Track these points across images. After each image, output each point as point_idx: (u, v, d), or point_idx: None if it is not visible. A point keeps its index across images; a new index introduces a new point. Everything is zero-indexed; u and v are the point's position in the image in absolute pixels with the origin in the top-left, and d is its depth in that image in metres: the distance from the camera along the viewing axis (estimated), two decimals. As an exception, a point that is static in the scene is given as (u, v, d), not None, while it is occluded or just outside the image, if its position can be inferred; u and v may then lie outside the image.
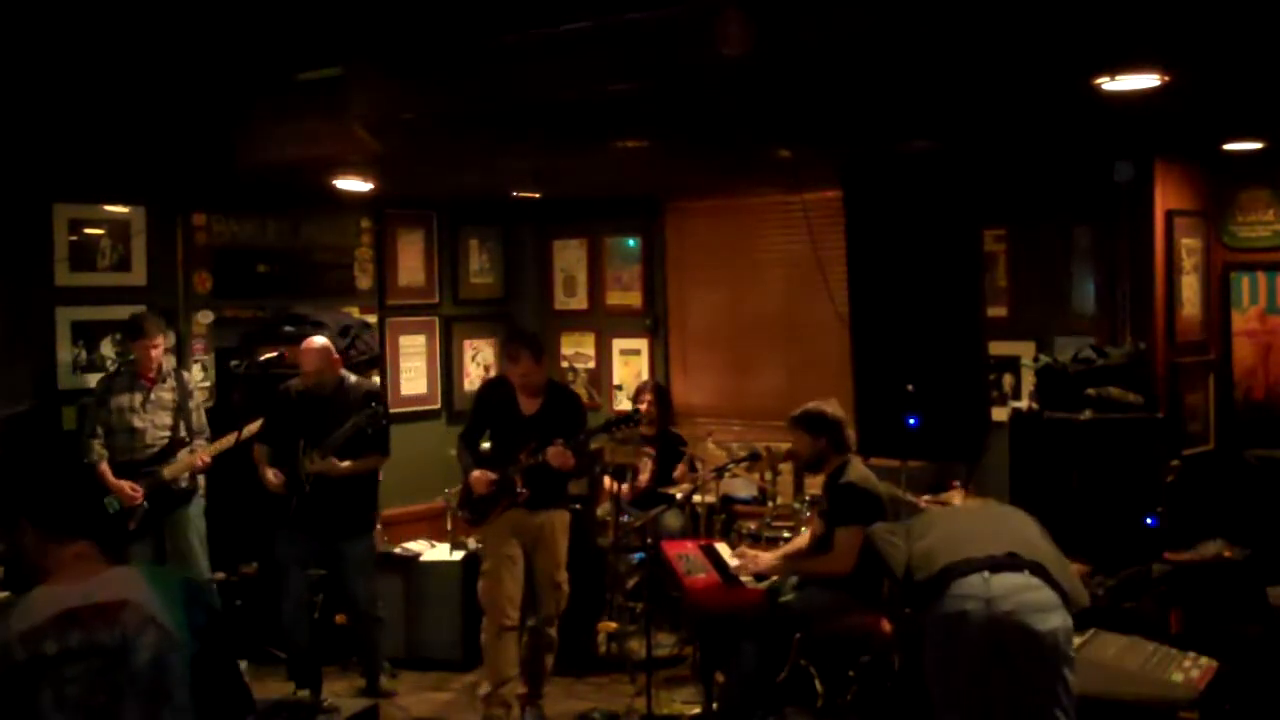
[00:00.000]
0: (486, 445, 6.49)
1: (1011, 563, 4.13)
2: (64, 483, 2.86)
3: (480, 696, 6.27)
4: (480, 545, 7.01)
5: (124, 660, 2.60)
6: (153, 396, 6.77)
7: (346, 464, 6.40)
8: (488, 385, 6.79)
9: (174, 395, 6.84)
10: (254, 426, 6.62)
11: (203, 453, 6.72)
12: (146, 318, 6.85)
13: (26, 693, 2.60)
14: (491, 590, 6.20)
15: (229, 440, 6.68)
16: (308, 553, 6.49)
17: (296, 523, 6.42)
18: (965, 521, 4.51)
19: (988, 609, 4.06)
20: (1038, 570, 4.13)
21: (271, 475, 6.45)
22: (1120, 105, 5.01)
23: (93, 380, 7.10)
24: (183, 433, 6.83)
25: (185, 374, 7.05)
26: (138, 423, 6.72)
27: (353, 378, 6.70)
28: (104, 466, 6.62)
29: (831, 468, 5.83)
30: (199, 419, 6.91)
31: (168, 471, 6.68)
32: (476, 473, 6.27)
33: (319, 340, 6.64)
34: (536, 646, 6.30)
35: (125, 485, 6.59)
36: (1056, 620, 4.08)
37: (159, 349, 6.77)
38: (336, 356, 6.66)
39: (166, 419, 6.80)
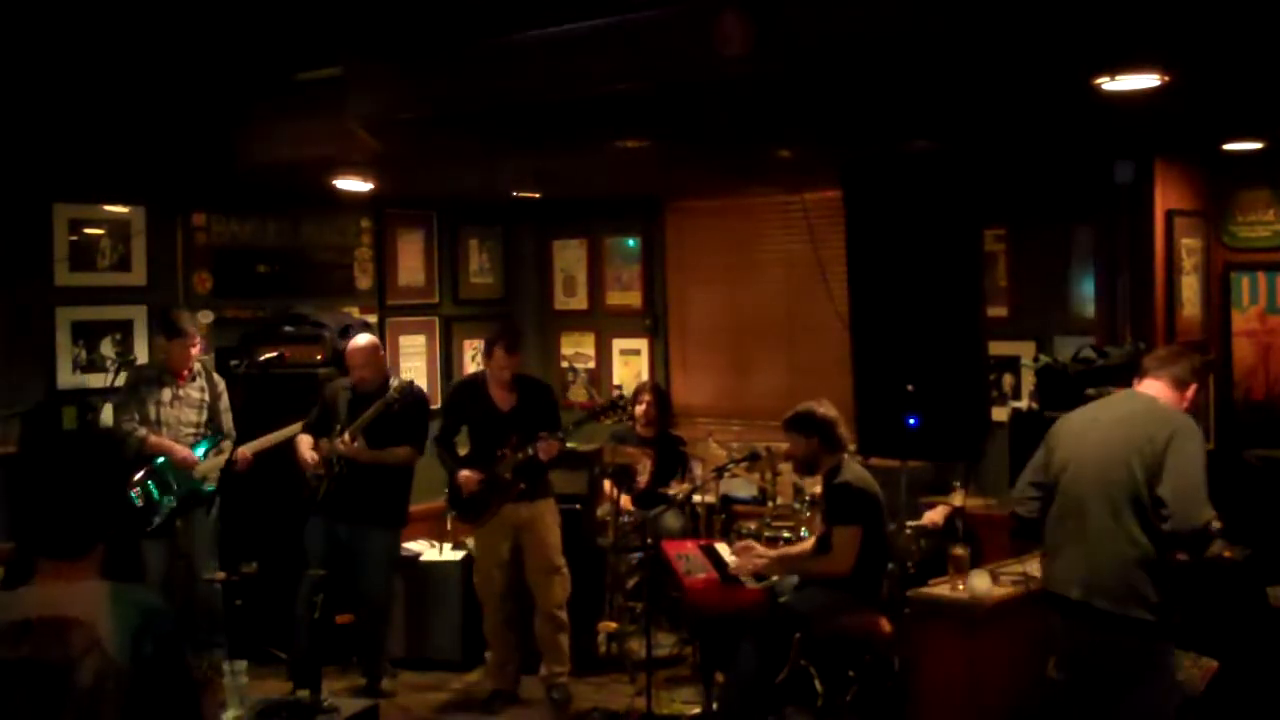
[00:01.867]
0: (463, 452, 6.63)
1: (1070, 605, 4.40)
2: (68, 503, 2.73)
3: (487, 675, 6.65)
4: (476, 547, 7.05)
5: (66, 681, 2.56)
6: (181, 393, 6.77)
7: (382, 451, 6.47)
8: (460, 386, 6.96)
9: (202, 395, 6.84)
10: (246, 453, 6.64)
11: (226, 456, 6.72)
12: (182, 317, 6.84)
13: None
14: (485, 590, 6.53)
15: (219, 461, 6.68)
16: (332, 543, 6.49)
17: (325, 508, 6.45)
18: (1076, 504, 4.48)
19: (1066, 617, 4.45)
20: (1090, 614, 4.34)
21: (310, 456, 6.49)
22: (1120, 105, 5.01)
23: (92, 380, 7.11)
24: (208, 433, 6.84)
25: (215, 375, 7.05)
26: (166, 417, 6.72)
27: (396, 378, 6.78)
28: (154, 438, 6.61)
29: (826, 468, 5.86)
30: (227, 422, 6.91)
31: (200, 469, 6.68)
32: (465, 473, 6.40)
33: (365, 339, 6.73)
34: (549, 631, 6.48)
35: (182, 449, 6.61)
36: (1112, 638, 4.30)
37: (197, 347, 6.80)
38: (382, 354, 6.76)
39: (193, 416, 6.80)
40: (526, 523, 6.42)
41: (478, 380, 6.60)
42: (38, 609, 2.62)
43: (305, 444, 6.59)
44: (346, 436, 6.43)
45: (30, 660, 2.58)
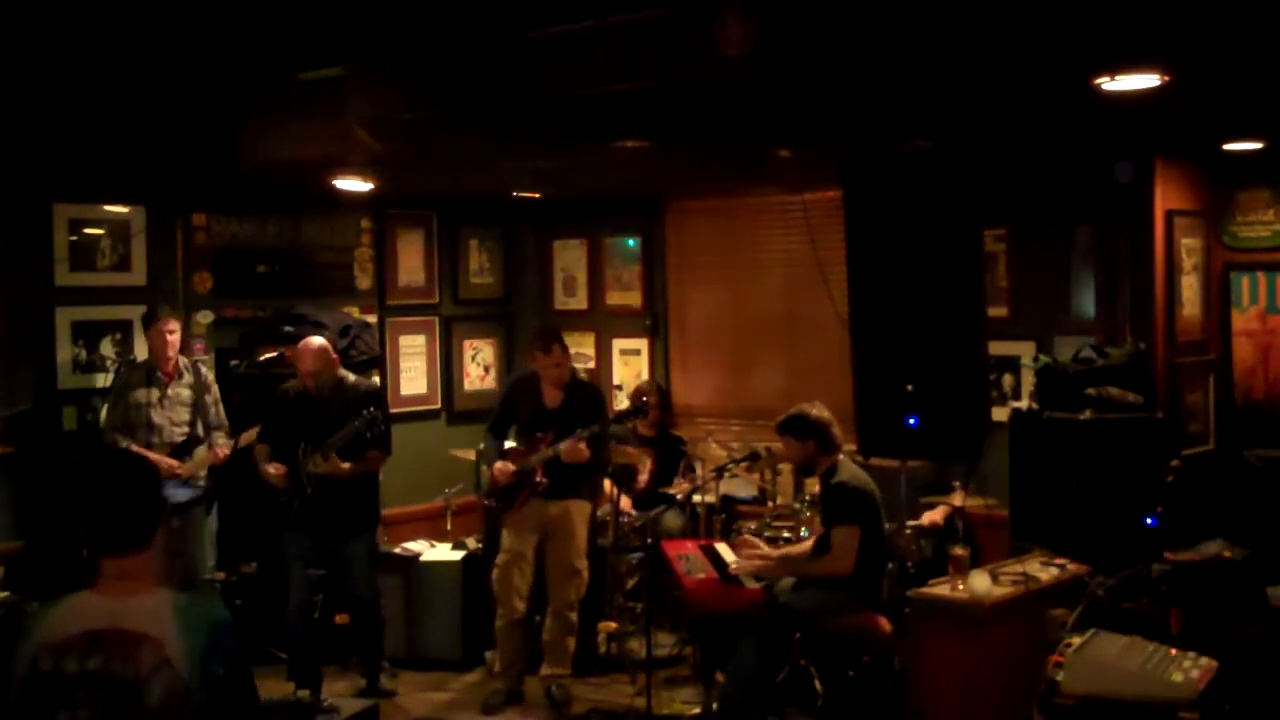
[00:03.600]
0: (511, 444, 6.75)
1: None
2: (128, 492, 2.74)
3: (492, 674, 6.68)
4: (480, 545, 7.07)
5: (135, 697, 2.56)
6: (170, 392, 6.77)
7: (348, 465, 6.43)
8: (516, 379, 7.06)
9: (191, 391, 6.84)
10: (251, 434, 6.64)
11: (220, 448, 6.72)
12: (158, 304, 6.88)
13: (45, 707, 2.58)
14: (501, 584, 6.53)
15: (226, 446, 6.68)
16: (311, 552, 6.51)
17: (299, 523, 6.44)
18: None
19: None
20: None
21: (272, 469, 6.48)
22: (1120, 105, 5.01)
23: (93, 380, 7.11)
24: (199, 429, 6.84)
25: (203, 369, 7.05)
26: (156, 418, 6.72)
27: (351, 377, 6.74)
28: (135, 448, 6.59)
29: (823, 469, 5.87)
30: (218, 414, 6.92)
31: (186, 469, 6.68)
32: (499, 464, 6.54)
33: (316, 341, 6.67)
34: (558, 630, 6.52)
35: (162, 460, 6.57)
36: None
37: (175, 334, 6.79)
38: (334, 356, 6.70)
39: (185, 415, 6.81)
40: (554, 520, 6.50)
41: (534, 376, 6.68)
42: (105, 620, 2.60)
43: (263, 456, 6.57)
44: (319, 458, 6.37)
45: (99, 675, 2.56)
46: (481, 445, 6.84)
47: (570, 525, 6.51)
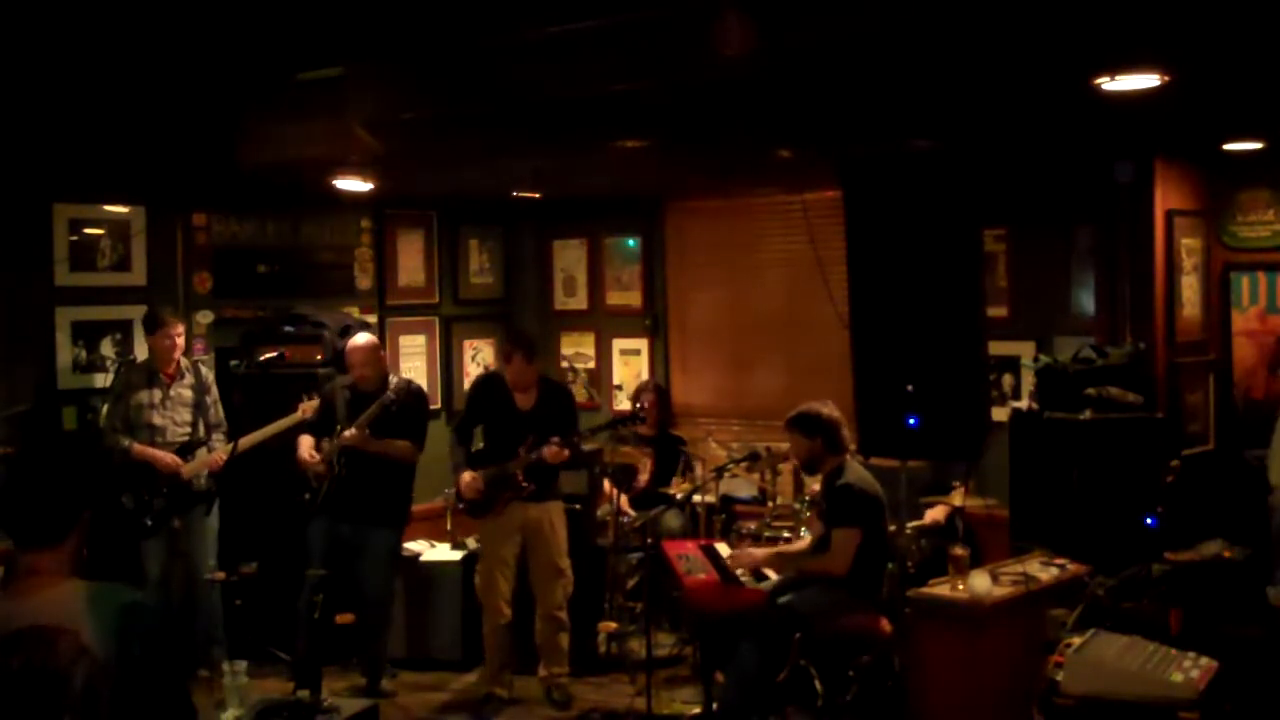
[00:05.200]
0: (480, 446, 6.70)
1: None
2: (38, 489, 2.74)
3: (483, 679, 6.66)
4: (480, 545, 7.06)
5: (60, 689, 2.58)
6: (172, 393, 6.75)
7: (388, 441, 6.49)
8: (482, 380, 7.02)
9: (193, 391, 6.83)
10: (251, 439, 6.64)
11: (219, 453, 6.72)
12: (162, 308, 6.86)
13: None
14: (486, 589, 6.56)
15: (224, 453, 6.67)
16: (329, 540, 6.50)
17: (325, 507, 6.46)
18: None
19: None
20: None
21: (307, 454, 6.51)
22: (1120, 105, 5.01)
23: (93, 380, 7.11)
24: (200, 429, 6.84)
25: (203, 369, 7.05)
26: (157, 420, 6.70)
27: (395, 377, 6.79)
28: (139, 446, 6.61)
29: (828, 468, 5.86)
30: (217, 413, 6.91)
31: (186, 470, 6.68)
32: (466, 477, 6.51)
33: (365, 337, 6.79)
34: (550, 631, 6.54)
35: (166, 456, 6.59)
36: None
37: (181, 338, 6.79)
38: (383, 354, 6.81)
39: (187, 415, 6.80)
40: (534, 523, 6.50)
41: (501, 377, 6.66)
42: (21, 619, 2.63)
43: (306, 444, 6.60)
44: (352, 430, 6.43)
45: (23, 672, 2.59)
46: (450, 447, 6.78)
47: (550, 526, 6.53)
